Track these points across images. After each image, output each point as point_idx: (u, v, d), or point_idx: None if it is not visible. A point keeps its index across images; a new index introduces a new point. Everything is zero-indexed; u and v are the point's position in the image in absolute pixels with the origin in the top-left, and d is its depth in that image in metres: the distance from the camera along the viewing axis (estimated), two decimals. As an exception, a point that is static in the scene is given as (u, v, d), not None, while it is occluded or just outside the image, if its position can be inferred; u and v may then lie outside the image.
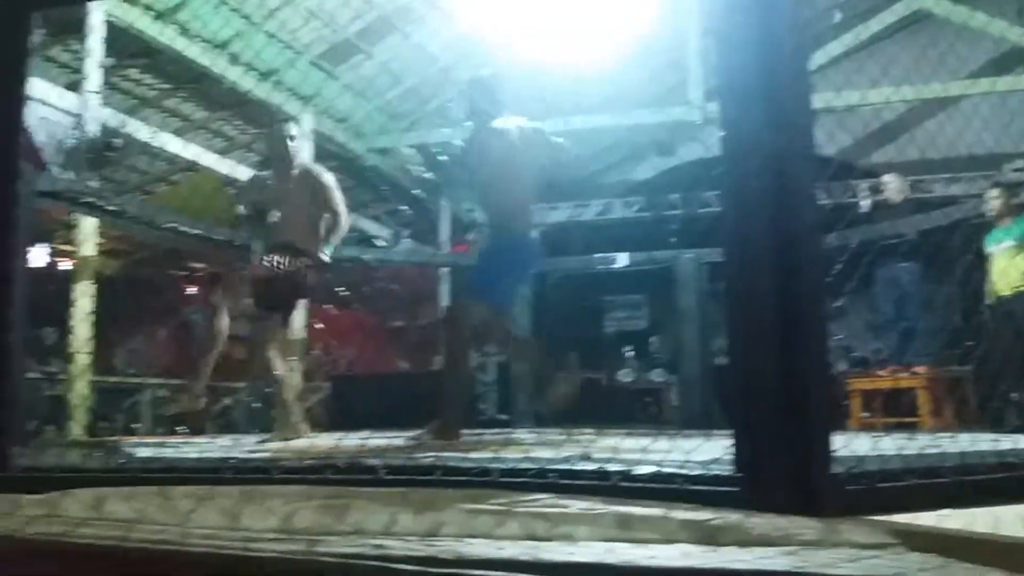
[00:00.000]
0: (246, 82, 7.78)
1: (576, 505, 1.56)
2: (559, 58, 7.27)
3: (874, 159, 7.00)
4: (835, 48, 8.04)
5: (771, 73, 1.73)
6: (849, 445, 1.76)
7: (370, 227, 10.19)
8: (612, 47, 7.48)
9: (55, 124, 5.71)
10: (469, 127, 4.04)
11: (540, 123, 4.08)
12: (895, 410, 5.40)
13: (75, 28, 6.28)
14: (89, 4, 5.92)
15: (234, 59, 7.69)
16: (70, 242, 7.30)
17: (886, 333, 6.30)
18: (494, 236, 4.07)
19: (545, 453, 1.92)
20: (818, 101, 1.92)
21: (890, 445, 1.88)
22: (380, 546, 1.43)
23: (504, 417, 7.61)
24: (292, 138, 4.44)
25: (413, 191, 9.46)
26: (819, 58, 7.94)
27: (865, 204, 6.45)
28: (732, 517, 1.50)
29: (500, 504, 1.60)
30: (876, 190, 6.40)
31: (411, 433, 3.28)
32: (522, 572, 1.30)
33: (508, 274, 3.97)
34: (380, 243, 9.87)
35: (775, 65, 1.73)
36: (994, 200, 5.61)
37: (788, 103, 1.73)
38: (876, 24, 8.39)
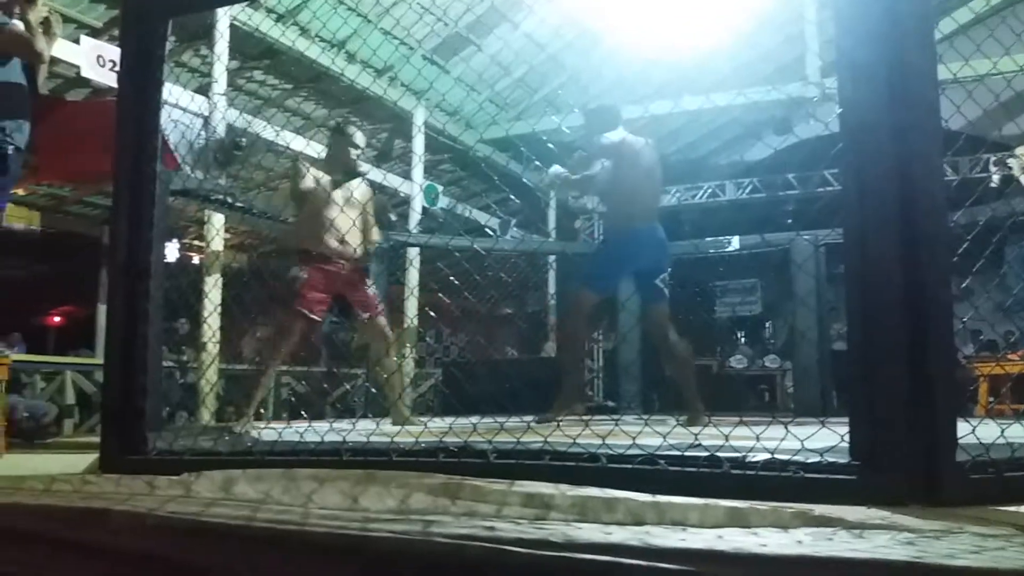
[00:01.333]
0: (363, 79, 8.02)
1: (684, 500, 1.56)
2: (670, 40, 7.16)
3: (1006, 131, 6.62)
4: (963, 15, 7.62)
5: (893, 44, 1.66)
6: (975, 432, 1.68)
7: (480, 216, 10.33)
8: (726, 24, 7.30)
9: (186, 126, 6.04)
10: (595, 141, 4.31)
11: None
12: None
13: (204, 34, 6.62)
14: (217, 11, 6.22)
15: (351, 57, 7.95)
16: (200, 237, 7.71)
17: (1018, 315, 5.95)
18: (614, 229, 4.43)
19: (654, 440, 1.91)
20: (944, 72, 1.82)
21: (1020, 432, 1.78)
22: (492, 528, 1.46)
23: (611, 404, 7.61)
24: (358, 147, 4.36)
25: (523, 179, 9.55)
26: (946, 26, 7.55)
27: (995, 179, 6.11)
28: (847, 507, 1.46)
29: (608, 492, 1.61)
30: (1008, 164, 6.05)
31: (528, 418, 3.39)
32: (632, 557, 1.30)
33: (624, 265, 4.25)
34: (489, 232, 10.00)
35: (897, 35, 1.67)
36: None
37: (912, 75, 1.66)
38: (1011, -14, 7.89)
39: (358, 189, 4.36)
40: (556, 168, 4.45)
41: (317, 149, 7.77)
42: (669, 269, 4.37)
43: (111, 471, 2.26)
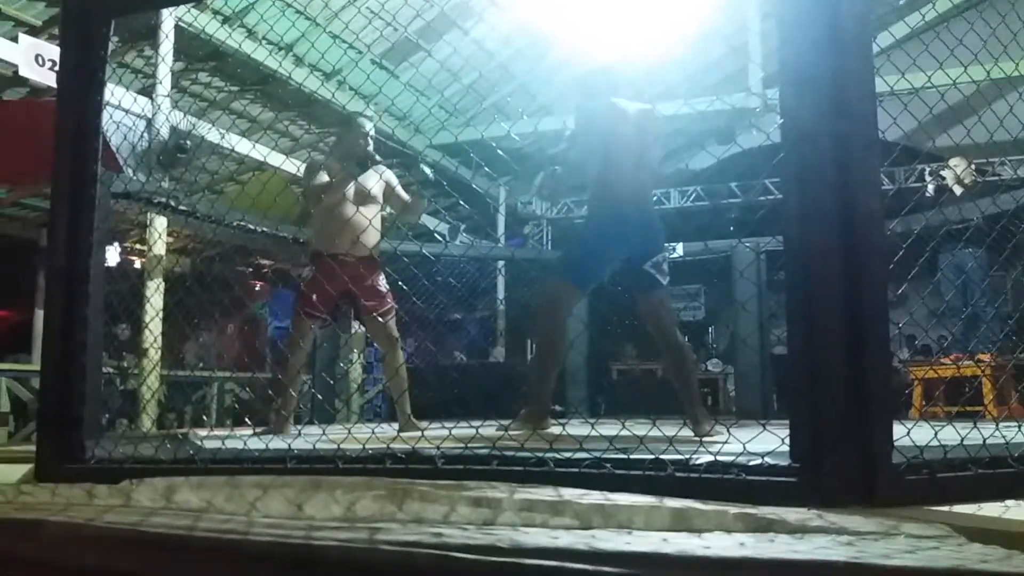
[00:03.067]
0: (311, 83, 7.94)
1: (631, 499, 1.57)
2: (618, 49, 7.23)
3: (940, 143, 6.84)
4: (900, 29, 7.85)
5: (833, 57, 1.70)
6: (910, 435, 1.73)
7: (429, 222, 10.31)
8: (672, 36, 7.41)
9: (129, 128, 5.91)
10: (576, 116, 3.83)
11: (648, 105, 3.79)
12: (958, 399, 5.23)
13: (148, 35, 6.49)
14: (162, 12, 6.11)
15: (299, 61, 7.87)
16: (142, 241, 7.56)
17: (950, 321, 6.13)
18: (593, 213, 3.80)
19: (600, 444, 1.93)
20: (881, 84, 1.88)
21: (952, 435, 1.84)
22: (439, 534, 1.45)
23: (559, 408, 7.63)
24: (372, 137, 4.29)
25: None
26: (883, 40, 7.77)
27: (930, 189, 6.30)
28: (788, 509, 1.49)
29: (555, 495, 1.62)
30: (941, 174, 6.24)
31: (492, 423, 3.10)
32: (578, 561, 1.31)
33: (605, 251, 3.60)
34: (438, 237, 9.98)
35: (837, 48, 1.71)
36: None
37: (850, 87, 1.70)
38: (943, 3, 8.15)
39: (374, 181, 4.25)
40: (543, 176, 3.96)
41: (263, 152, 7.68)
42: (666, 254, 3.70)
43: (47, 480, 2.20)
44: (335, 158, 4.32)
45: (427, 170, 4.39)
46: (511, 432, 2.77)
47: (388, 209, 4.45)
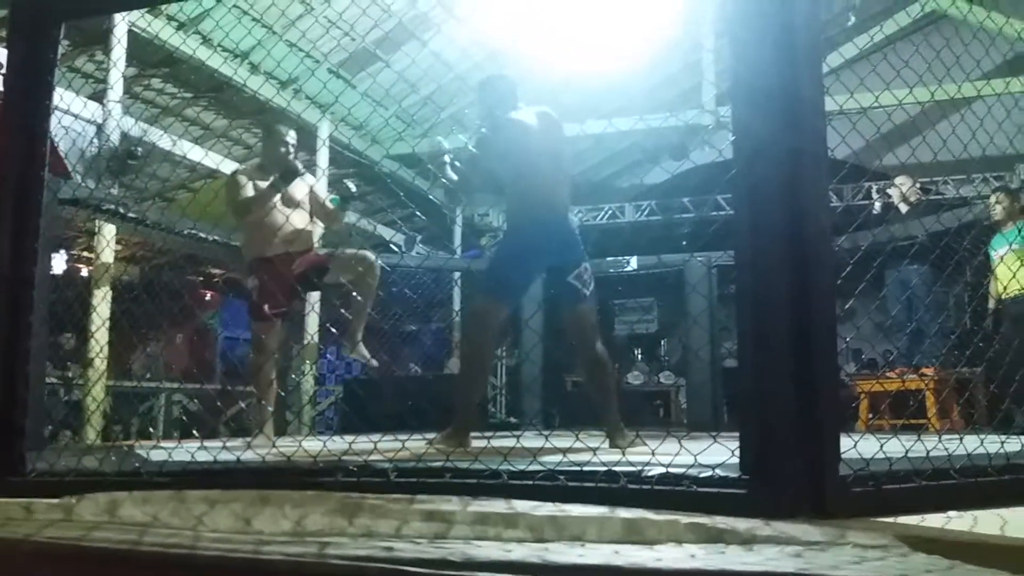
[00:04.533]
0: (266, 91, 7.87)
1: (583, 509, 1.58)
2: (573, 64, 7.29)
3: (886, 161, 7.00)
4: (849, 50, 8.03)
5: (784, 76, 1.73)
6: (856, 447, 1.76)
7: (385, 232, 10.25)
8: (627, 52, 7.49)
9: (78, 133, 5.78)
10: (482, 126, 3.93)
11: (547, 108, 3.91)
12: (903, 412, 5.35)
13: (100, 39, 6.37)
14: (114, 16, 6.00)
15: (255, 68, 7.78)
16: (90, 248, 7.40)
17: (895, 335, 6.28)
18: (511, 224, 3.84)
19: (554, 456, 1.93)
20: (831, 104, 1.92)
21: (897, 447, 1.88)
22: (390, 548, 1.44)
23: (513, 420, 7.65)
24: (293, 144, 4.34)
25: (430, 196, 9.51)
26: (832, 60, 7.94)
27: (877, 206, 6.45)
28: (739, 519, 1.50)
29: (508, 508, 1.61)
30: (888, 192, 6.40)
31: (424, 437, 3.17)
32: (531, 574, 1.31)
33: (525, 264, 3.64)
34: (394, 248, 9.93)
35: (788, 68, 1.74)
36: (997, 205, 5.63)
37: (801, 106, 1.73)
38: (891, 26, 8.38)
39: (300, 188, 4.27)
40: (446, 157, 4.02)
41: (216, 160, 7.57)
42: (587, 264, 3.72)
43: (-15, 495, 2.14)
44: (259, 169, 4.31)
45: (351, 186, 4.52)
46: (435, 446, 2.75)
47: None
